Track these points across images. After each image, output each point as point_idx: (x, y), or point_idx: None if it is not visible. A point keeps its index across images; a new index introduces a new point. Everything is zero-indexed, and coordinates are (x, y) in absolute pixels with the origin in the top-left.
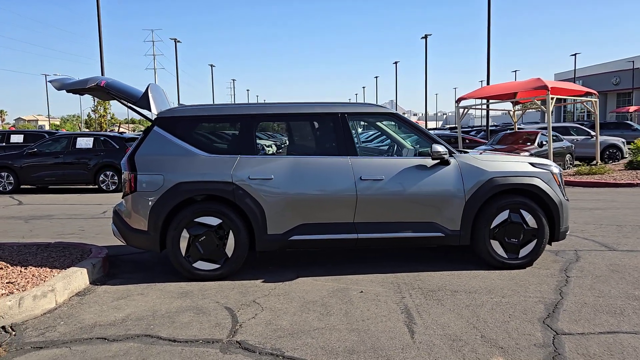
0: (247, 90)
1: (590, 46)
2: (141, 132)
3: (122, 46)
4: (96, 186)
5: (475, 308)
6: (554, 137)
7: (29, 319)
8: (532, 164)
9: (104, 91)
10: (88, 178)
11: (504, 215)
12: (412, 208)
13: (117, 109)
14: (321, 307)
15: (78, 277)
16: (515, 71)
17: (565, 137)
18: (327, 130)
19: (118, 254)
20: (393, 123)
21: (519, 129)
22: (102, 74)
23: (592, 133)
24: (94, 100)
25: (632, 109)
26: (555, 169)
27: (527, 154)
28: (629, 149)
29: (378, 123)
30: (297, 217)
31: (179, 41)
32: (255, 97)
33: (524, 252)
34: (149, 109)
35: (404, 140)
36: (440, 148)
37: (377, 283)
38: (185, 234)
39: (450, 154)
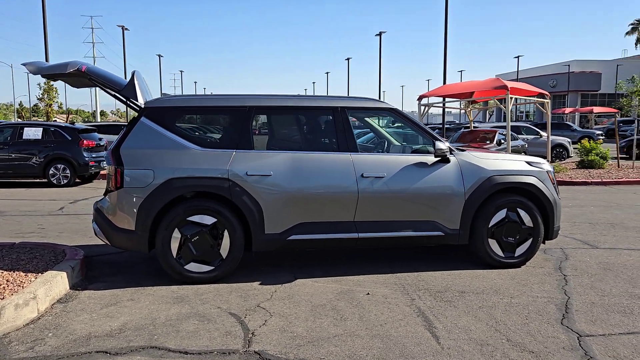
0: (195, 82)
1: (529, 50)
2: (72, 123)
3: (63, 31)
4: (45, 180)
5: (489, 310)
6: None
7: (11, 331)
8: (528, 163)
9: (85, 77)
10: (37, 172)
11: (501, 214)
12: (413, 206)
13: (75, 99)
14: (332, 312)
15: (58, 281)
16: (461, 71)
17: (517, 136)
18: (327, 125)
19: (92, 254)
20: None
21: (474, 127)
22: (46, 60)
23: (541, 133)
24: (40, 87)
25: (567, 110)
26: (549, 167)
27: None
28: (577, 149)
29: (367, 118)
30: (296, 216)
31: (126, 29)
32: (202, 89)
33: (520, 250)
34: (135, 98)
35: (391, 136)
36: (443, 145)
37: (380, 284)
38: (176, 234)
39: (450, 151)
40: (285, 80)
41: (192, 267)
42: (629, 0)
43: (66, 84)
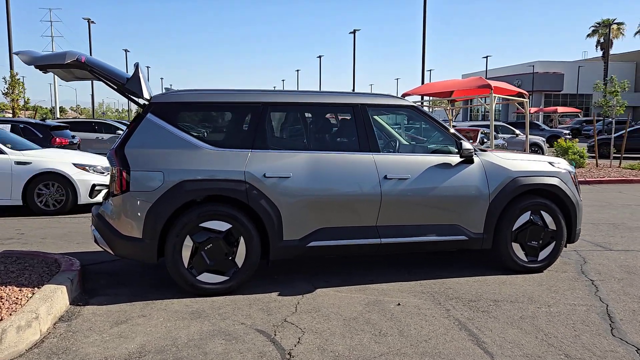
0: (161, 78)
1: (495, 50)
2: (43, 119)
3: (20, 24)
4: None
5: (532, 320)
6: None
7: (14, 358)
8: (550, 163)
9: (84, 69)
10: None
11: (525, 217)
12: (436, 210)
13: (32, 94)
14: (368, 326)
15: (59, 297)
16: (430, 70)
17: (498, 135)
18: (347, 123)
19: (84, 263)
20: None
21: (453, 126)
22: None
23: (517, 132)
24: (5, 81)
25: (532, 110)
26: (571, 167)
27: None
28: (552, 148)
29: (376, 116)
30: (316, 221)
31: (92, 22)
32: (169, 85)
33: (543, 254)
34: (140, 92)
35: (400, 135)
36: (470, 146)
37: (407, 293)
38: (188, 242)
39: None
40: (254, 78)
41: (205, 277)
42: (591, 2)
43: (56, 76)
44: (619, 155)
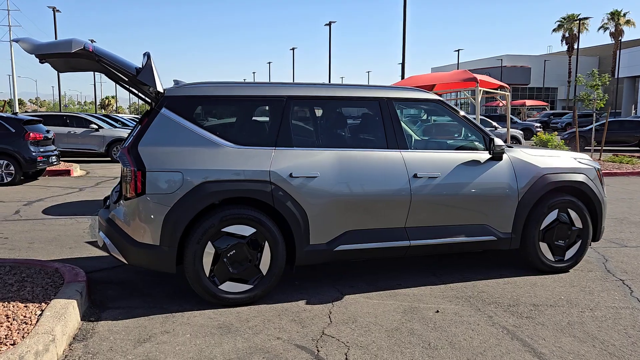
0: None
1: (464, 43)
2: (15, 113)
3: None
4: None
5: (581, 327)
6: None
7: None
8: (576, 160)
9: (92, 59)
10: None
11: (553, 216)
12: (466, 209)
13: None
14: (414, 338)
15: (71, 314)
16: (369, 72)
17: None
18: (374, 118)
19: (84, 271)
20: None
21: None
22: None
23: (496, 125)
24: None
25: (501, 103)
26: (597, 164)
27: None
28: (529, 141)
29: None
30: (343, 223)
31: (58, 10)
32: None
33: (569, 254)
34: (154, 84)
35: (412, 131)
36: (501, 142)
37: (441, 298)
38: (210, 248)
39: None
40: (223, 72)
41: (228, 287)
42: None
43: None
44: (599, 148)
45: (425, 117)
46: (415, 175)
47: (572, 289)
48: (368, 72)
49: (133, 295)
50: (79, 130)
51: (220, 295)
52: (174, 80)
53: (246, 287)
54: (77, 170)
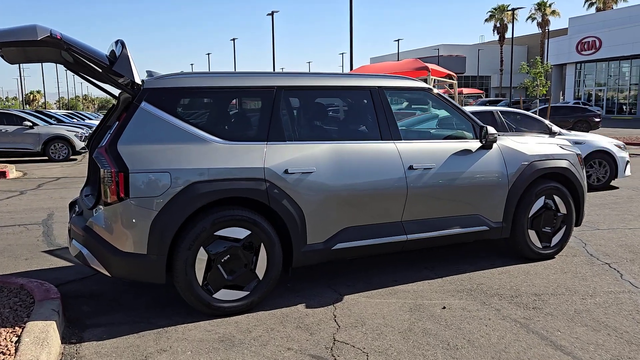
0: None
1: (405, 33)
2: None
3: None
4: None
5: (589, 315)
6: None
7: None
8: (560, 146)
9: (60, 48)
10: None
11: (540, 203)
12: (459, 200)
13: None
14: (430, 338)
15: (52, 338)
16: (342, 54)
17: None
18: (366, 108)
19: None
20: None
21: None
22: None
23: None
24: None
25: (449, 91)
26: (578, 150)
27: None
28: None
29: None
30: (341, 220)
31: None
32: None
33: (555, 240)
34: (131, 75)
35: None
36: (494, 130)
37: (442, 293)
38: (202, 255)
39: None
40: (160, 65)
41: (223, 295)
42: None
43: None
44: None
45: (405, 106)
46: (410, 167)
47: (564, 275)
48: (309, 62)
49: (112, 310)
50: (11, 128)
51: (215, 305)
52: (147, 72)
53: (242, 293)
54: (12, 171)
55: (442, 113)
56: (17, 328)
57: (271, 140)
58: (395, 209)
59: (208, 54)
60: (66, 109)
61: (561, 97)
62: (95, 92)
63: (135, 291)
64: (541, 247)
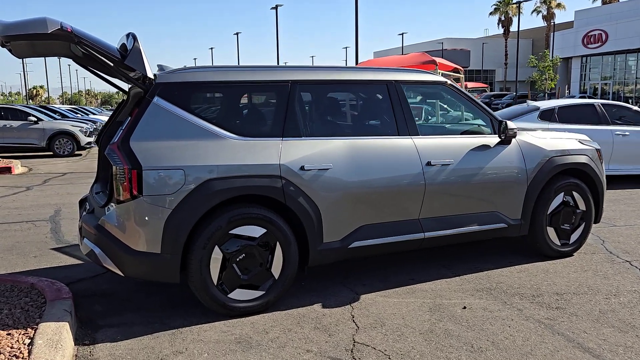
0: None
1: (409, 26)
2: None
3: None
4: None
5: (615, 315)
6: None
7: None
8: (579, 141)
9: (70, 41)
10: None
11: (559, 199)
12: (478, 197)
13: None
14: (453, 340)
15: (66, 340)
16: (346, 48)
17: None
18: (383, 103)
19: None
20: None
21: None
22: None
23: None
24: None
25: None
26: (597, 145)
27: None
28: None
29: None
30: (357, 218)
31: None
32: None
33: (573, 237)
34: (143, 70)
35: None
36: (514, 125)
37: (461, 292)
38: (217, 254)
39: None
40: (163, 60)
41: (238, 294)
42: None
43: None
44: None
45: (418, 100)
46: (428, 163)
47: (585, 273)
48: (312, 57)
49: (125, 310)
50: (16, 124)
51: (230, 305)
52: (158, 65)
53: (258, 293)
54: (18, 167)
55: (430, 105)
56: (29, 329)
57: (286, 136)
58: (412, 206)
59: (211, 48)
60: (69, 104)
61: (567, 91)
62: (98, 87)
63: (147, 290)
64: (560, 244)
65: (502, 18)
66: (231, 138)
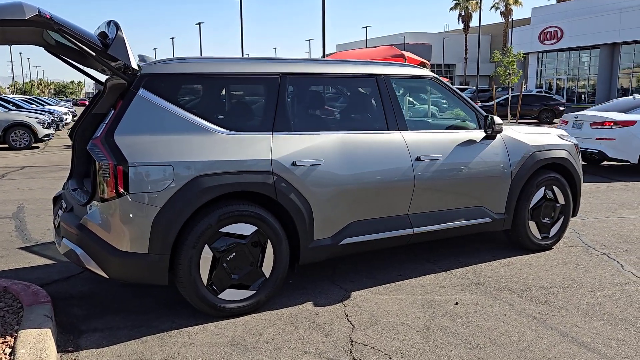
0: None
1: (371, 20)
2: None
3: None
4: None
5: (602, 308)
6: None
7: None
8: (559, 136)
9: (49, 28)
10: None
11: (540, 194)
12: (464, 192)
13: None
14: (451, 337)
15: (49, 348)
16: (310, 40)
17: None
18: (372, 97)
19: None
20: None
21: None
22: None
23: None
24: None
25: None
26: (575, 140)
27: None
28: None
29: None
30: (348, 214)
31: None
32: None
33: (553, 231)
34: (127, 60)
35: None
36: (500, 120)
37: (451, 287)
38: (207, 253)
39: None
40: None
41: (229, 295)
42: None
43: None
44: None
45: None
46: (418, 158)
47: (567, 266)
48: (275, 48)
49: (107, 313)
50: None
51: (220, 306)
52: (139, 56)
53: (248, 293)
54: None
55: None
56: (8, 338)
57: (277, 130)
58: (402, 201)
59: (172, 38)
60: (20, 94)
61: (524, 86)
62: (51, 77)
63: (127, 291)
64: (540, 238)
65: (462, 13)
66: (221, 132)
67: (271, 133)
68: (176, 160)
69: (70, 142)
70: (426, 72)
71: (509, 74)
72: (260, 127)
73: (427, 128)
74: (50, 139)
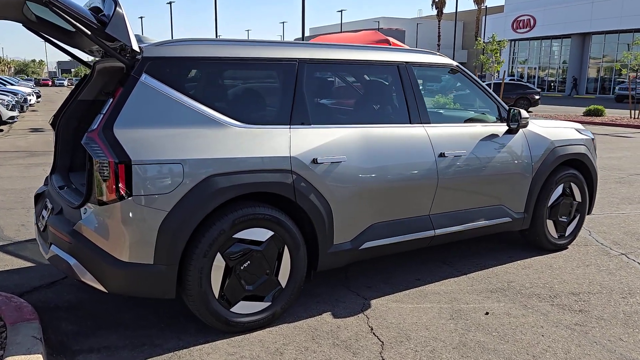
0: None
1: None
2: None
3: None
4: None
5: (637, 317)
6: None
7: None
8: (577, 130)
9: (45, 5)
10: None
11: (559, 191)
12: (486, 190)
13: None
14: (490, 354)
15: None
16: (284, 23)
17: None
18: (393, 87)
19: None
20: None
21: None
22: None
23: None
24: None
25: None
26: (592, 134)
27: None
28: None
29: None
30: (369, 215)
31: None
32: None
33: (569, 230)
34: (128, 40)
35: None
36: (527, 114)
37: (475, 294)
38: (219, 262)
39: None
40: None
41: (242, 308)
42: None
43: None
44: None
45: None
46: (441, 154)
47: (588, 269)
48: (248, 30)
49: (101, 328)
50: None
51: (234, 321)
52: (136, 36)
53: (263, 305)
54: None
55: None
56: None
57: (294, 123)
58: (424, 201)
59: (141, 17)
60: None
61: (496, 74)
62: (11, 54)
63: (119, 300)
64: (557, 237)
65: (437, 0)
66: (235, 126)
67: (289, 126)
68: (186, 158)
69: (37, 126)
70: (449, 60)
71: (493, 62)
72: (276, 120)
73: (448, 121)
74: (15, 121)
